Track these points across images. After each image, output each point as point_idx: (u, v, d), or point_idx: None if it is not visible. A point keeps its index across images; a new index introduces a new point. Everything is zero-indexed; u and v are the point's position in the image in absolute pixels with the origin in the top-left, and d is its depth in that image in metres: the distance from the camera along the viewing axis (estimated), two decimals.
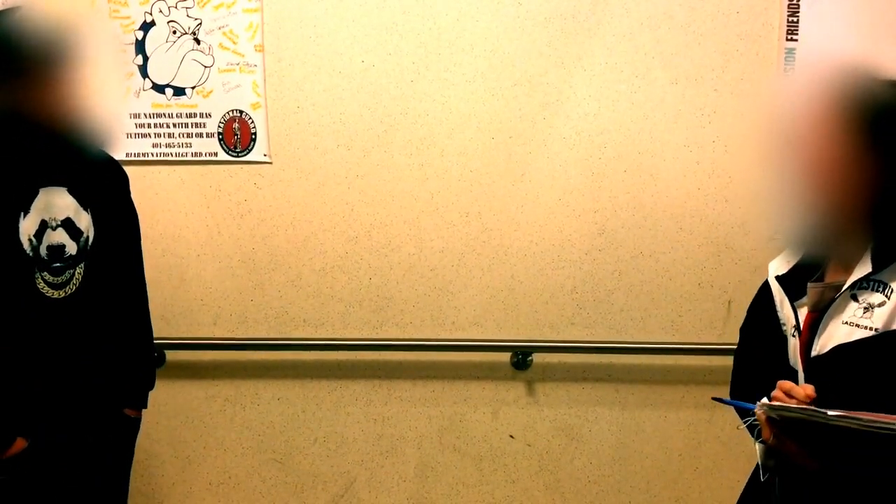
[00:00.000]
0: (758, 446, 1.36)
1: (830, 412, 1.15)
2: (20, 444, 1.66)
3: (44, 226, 1.67)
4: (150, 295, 2.36)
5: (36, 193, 1.67)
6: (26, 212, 1.66)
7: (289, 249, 2.44)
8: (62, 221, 1.69)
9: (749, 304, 1.56)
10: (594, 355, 2.48)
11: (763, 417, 1.29)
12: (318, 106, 2.38)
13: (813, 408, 1.19)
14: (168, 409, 2.51)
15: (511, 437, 2.53)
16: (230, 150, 2.41)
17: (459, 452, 2.54)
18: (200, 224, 2.43)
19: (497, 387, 2.51)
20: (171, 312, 2.46)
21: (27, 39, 1.60)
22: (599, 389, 2.50)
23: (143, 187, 2.41)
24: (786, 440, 1.28)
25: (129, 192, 1.92)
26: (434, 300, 2.47)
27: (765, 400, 1.29)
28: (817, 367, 1.32)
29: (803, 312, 1.37)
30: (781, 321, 1.43)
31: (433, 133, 2.40)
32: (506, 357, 2.49)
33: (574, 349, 2.47)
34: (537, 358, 2.48)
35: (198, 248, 2.44)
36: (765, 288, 1.50)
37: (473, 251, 2.45)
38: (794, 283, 1.40)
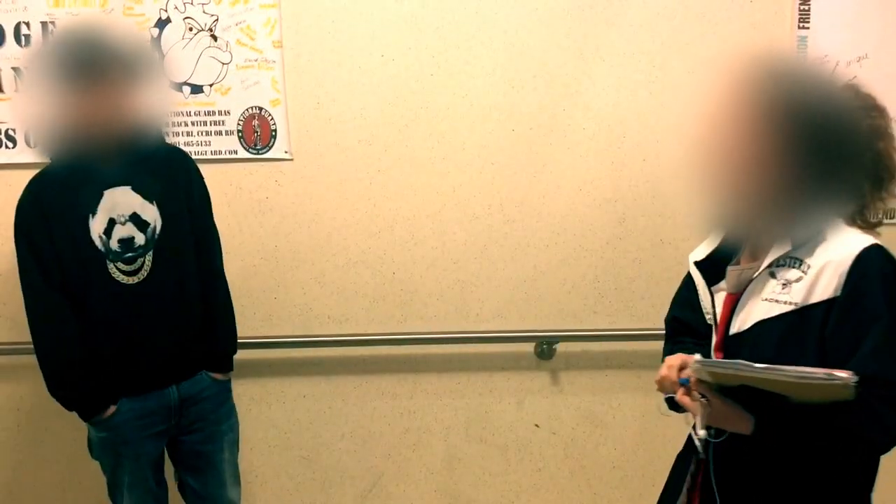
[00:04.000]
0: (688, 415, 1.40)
1: (758, 365, 1.23)
2: (111, 408, 1.94)
3: (112, 223, 1.89)
4: None
5: (101, 196, 1.88)
6: (93, 213, 1.88)
7: (311, 246, 2.43)
8: (129, 216, 1.90)
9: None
10: (617, 343, 2.51)
11: (694, 378, 1.34)
12: (338, 101, 2.37)
13: (743, 362, 1.26)
14: None
15: (536, 426, 2.56)
16: (250, 147, 2.39)
17: (486, 443, 2.56)
18: (222, 223, 2.37)
19: (522, 377, 2.53)
20: None
21: (103, 50, 1.80)
22: (622, 376, 2.54)
23: None
24: (719, 402, 1.33)
25: (195, 176, 2.06)
26: (458, 293, 2.48)
27: (698, 356, 1.35)
28: (736, 345, 1.38)
29: (720, 297, 1.45)
30: (705, 309, 1.49)
31: (454, 126, 2.40)
32: (530, 347, 2.51)
33: (597, 338, 2.50)
34: (561, 347, 2.51)
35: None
36: (688, 277, 1.56)
37: (496, 243, 2.46)
38: (711, 269, 1.46)
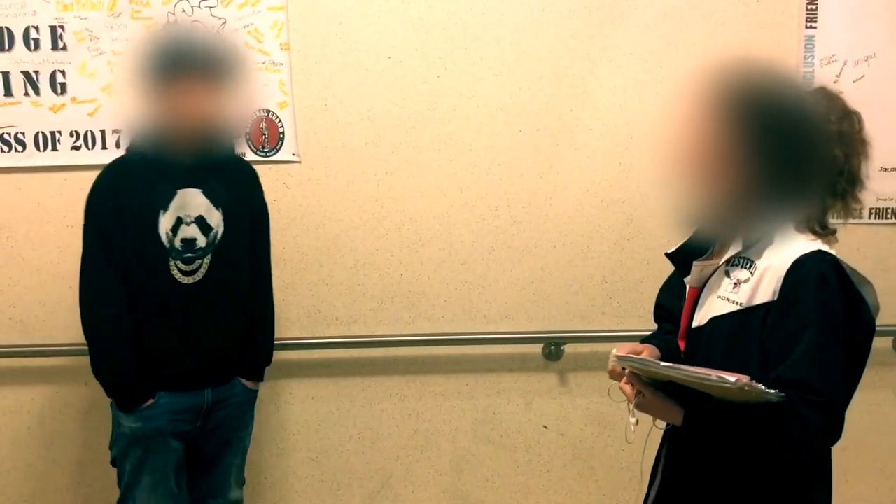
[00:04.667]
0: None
1: (662, 363, 1.30)
2: (150, 401, 1.96)
3: (179, 222, 1.93)
4: None
5: (174, 194, 1.93)
6: (165, 210, 1.93)
7: (319, 248, 2.44)
8: (195, 218, 1.95)
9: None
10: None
11: (628, 370, 1.40)
12: (345, 103, 2.38)
13: (648, 359, 1.32)
14: None
15: (545, 427, 2.56)
16: (258, 149, 2.39)
17: (494, 444, 2.56)
18: None
19: (530, 378, 2.53)
20: None
21: (191, 53, 1.88)
22: None
23: None
24: (650, 393, 1.39)
25: (259, 190, 2.13)
26: (465, 294, 2.48)
27: (615, 351, 1.41)
28: (695, 338, 1.43)
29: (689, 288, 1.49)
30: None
31: (461, 128, 2.41)
32: (538, 348, 2.51)
33: (605, 338, 2.49)
34: (569, 348, 2.51)
35: None
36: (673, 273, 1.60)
37: (503, 244, 2.46)
38: (687, 261, 1.50)
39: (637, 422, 1.39)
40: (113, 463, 2.06)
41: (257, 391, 2.17)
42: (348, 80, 2.37)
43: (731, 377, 1.21)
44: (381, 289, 2.46)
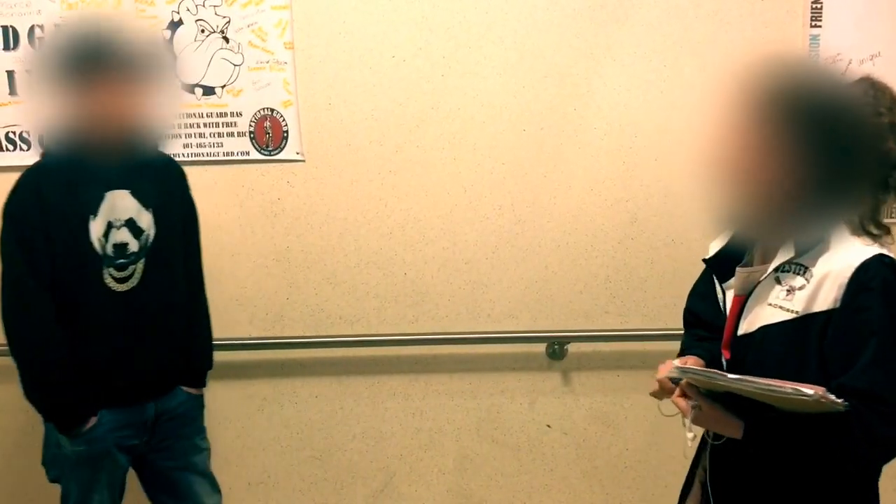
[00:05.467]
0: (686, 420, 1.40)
1: (730, 375, 1.24)
2: (92, 420, 1.85)
3: (109, 226, 1.83)
4: None
5: (103, 198, 1.82)
6: (95, 215, 1.81)
7: (323, 247, 2.44)
8: (125, 221, 1.84)
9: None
10: (629, 343, 2.50)
11: (685, 381, 1.35)
12: (349, 102, 2.38)
13: (715, 370, 1.27)
14: (206, 409, 2.49)
15: (548, 426, 2.55)
16: (262, 148, 2.39)
17: (497, 443, 2.56)
18: (234, 224, 2.42)
19: (533, 377, 2.53)
20: None
21: (109, 50, 1.76)
22: (634, 377, 2.53)
23: None
24: (707, 405, 1.34)
25: (187, 189, 2.04)
26: (469, 293, 2.48)
27: (677, 362, 1.36)
28: (743, 346, 1.38)
29: (730, 295, 1.44)
30: (722, 304, 1.49)
31: (465, 127, 2.41)
32: (541, 348, 2.51)
33: (609, 338, 2.50)
34: (572, 348, 2.50)
35: (232, 247, 2.43)
36: (707, 271, 1.55)
37: (507, 243, 2.46)
38: (723, 266, 1.46)
39: (694, 436, 1.35)
40: (54, 481, 1.95)
41: (203, 396, 2.07)
42: (352, 79, 2.37)
43: (809, 389, 1.17)
44: (384, 288, 2.46)
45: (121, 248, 1.82)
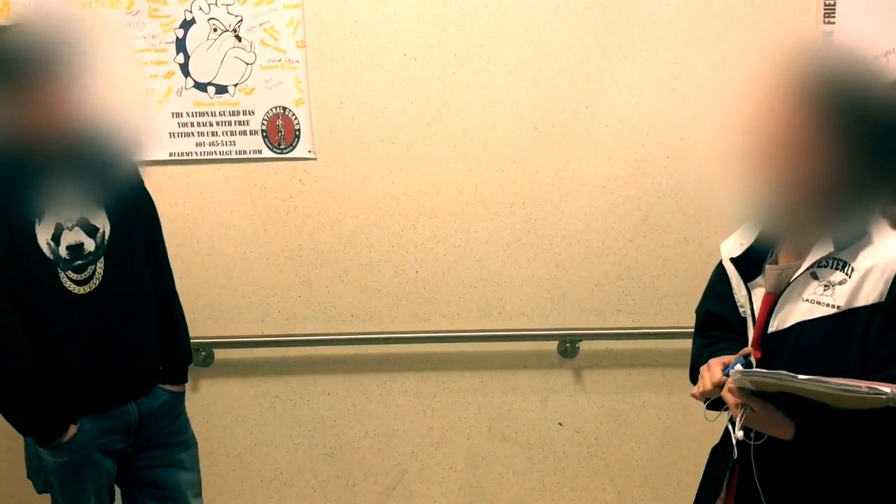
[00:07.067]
0: (733, 420, 1.36)
1: (801, 376, 1.20)
2: (72, 429, 1.79)
3: (59, 228, 1.74)
4: (198, 293, 2.45)
5: (45, 198, 1.73)
6: (41, 219, 1.73)
7: (335, 245, 2.44)
8: (77, 221, 1.76)
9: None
10: (641, 341, 2.50)
11: (734, 387, 1.31)
12: (360, 101, 2.38)
13: (784, 372, 1.23)
14: (218, 407, 2.51)
15: (560, 424, 2.55)
16: (274, 147, 2.40)
17: (509, 441, 2.56)
18: (246, 222, 2.43)
19: (545, 375, 2.53)
20: (218, 311, 2.46)
21: (22, 53, 1.66)
22: (646, 375, 2.53)
23: (188, 186, 2.41)
24: (760, 406, 1.30)
25: (141, 182, 1.95)
26: (481, 291, 2.48)
27: (739, 367, 1.33)
28: (773, 344, 1.36)
29: (757, 293, 1.42)
30: (739, 303, 1.47)
31: (476, 125, 2.41)
32: (553, 345, 2.51)
33: (620, 336, 2.50)
34: (584, 346, 2.50)
35: (244, 246, 2.44)
36: (720, 270, 1.53)
37: (519, 241, 2.46)
38: (745, 264, 1.44)
39: (743, 436, 1.32)
40: (43, 491, 1.90)
41: (184, 393, 2.02)
42: (364, 77, 2.37)
43: (885, 388, 1.14)
44: (396, 286, 2.47)
45: (76, 248, 1.75)
